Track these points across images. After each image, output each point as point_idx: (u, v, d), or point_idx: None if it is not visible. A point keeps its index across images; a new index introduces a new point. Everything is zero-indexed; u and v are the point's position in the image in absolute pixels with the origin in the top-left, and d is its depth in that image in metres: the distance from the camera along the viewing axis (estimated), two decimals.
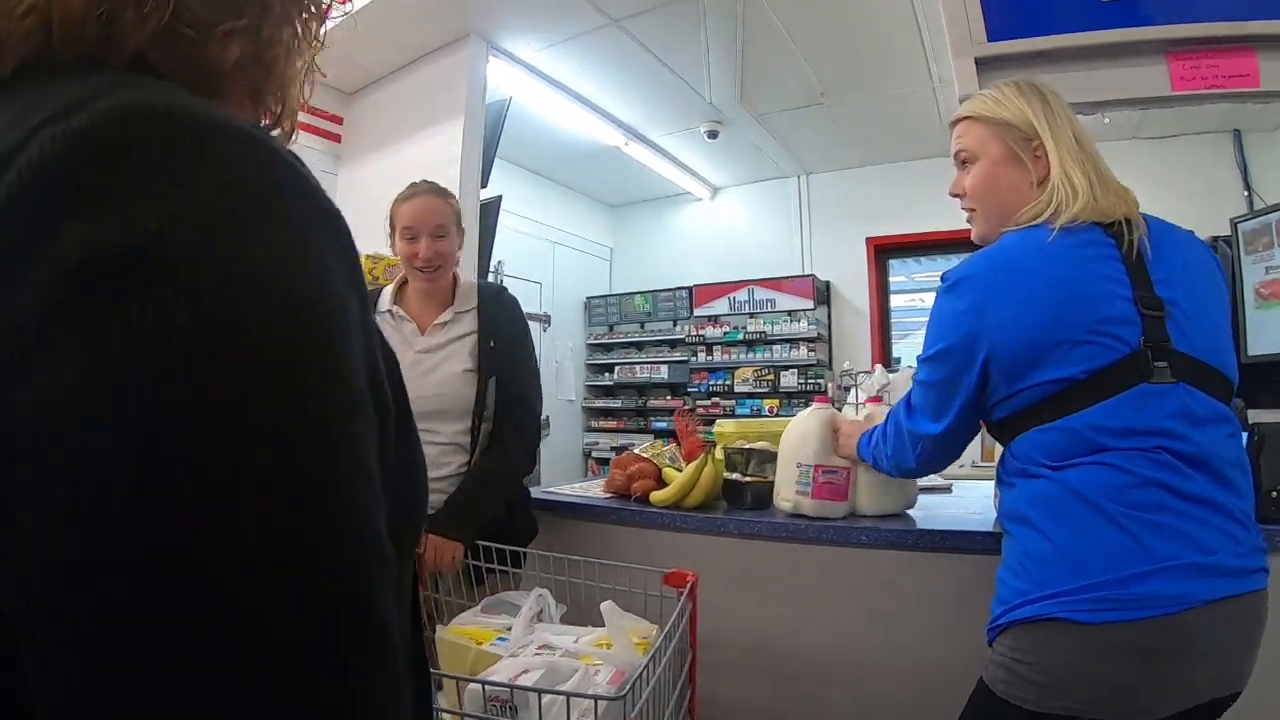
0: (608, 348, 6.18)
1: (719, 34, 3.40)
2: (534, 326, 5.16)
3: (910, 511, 1.54)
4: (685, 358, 5.71)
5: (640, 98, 4.10)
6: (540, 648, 0.94)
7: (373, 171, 3.36)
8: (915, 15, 3.17)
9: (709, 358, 5.60)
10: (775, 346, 5.35)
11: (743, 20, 3.26)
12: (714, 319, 5.64)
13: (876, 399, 1.69)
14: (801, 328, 5.24)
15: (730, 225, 5.92)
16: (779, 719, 1.52)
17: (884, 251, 5.37)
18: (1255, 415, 1.37)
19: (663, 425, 5.51)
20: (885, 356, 5.16)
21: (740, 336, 5.47)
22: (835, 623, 1.48)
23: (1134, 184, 1.05)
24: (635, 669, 0.79)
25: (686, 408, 5.27)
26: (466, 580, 1.39)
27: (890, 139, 4.70)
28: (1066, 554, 0.90)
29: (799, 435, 1.50)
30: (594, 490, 1.90)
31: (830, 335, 5.42)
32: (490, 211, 3.32)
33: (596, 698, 0.75)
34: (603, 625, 0.93)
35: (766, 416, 5.01)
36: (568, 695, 0.75)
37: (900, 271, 5.44)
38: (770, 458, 1.62)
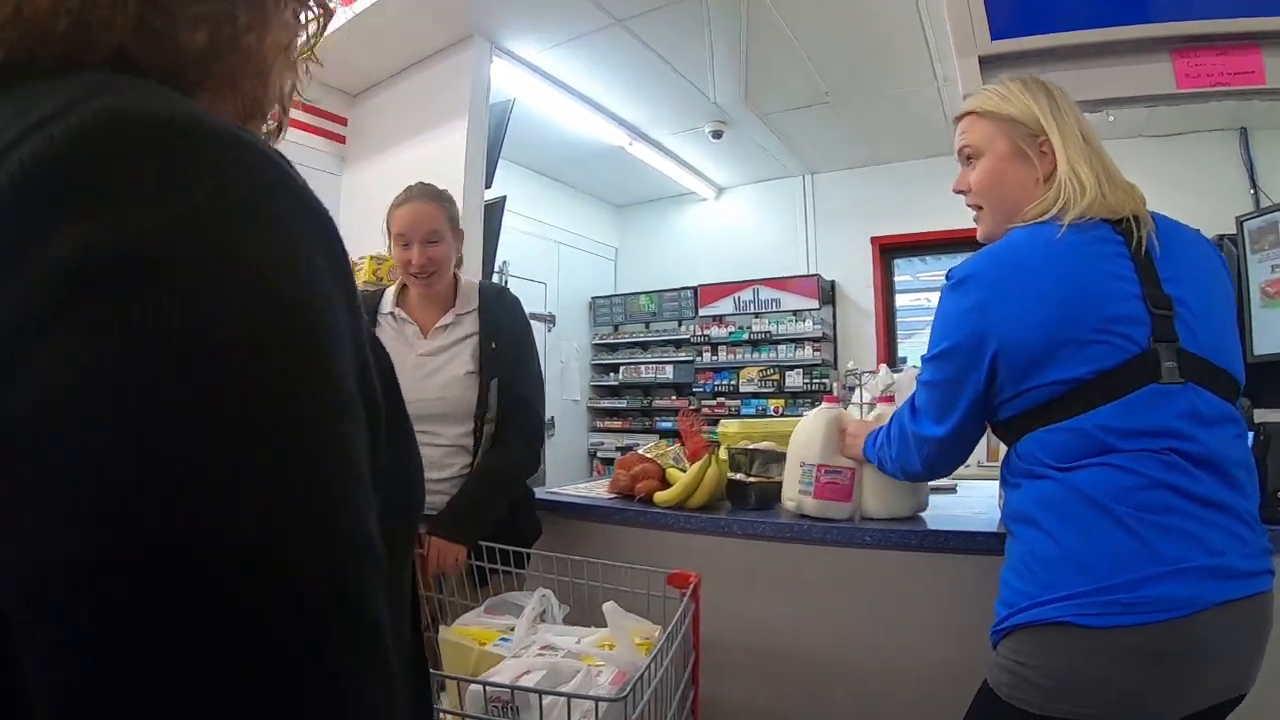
0: (613, 348, 6.18)
1: (723, 34, 3.39)
2: (539, 327, 5.17)
3: None
4: (690, 358, 5.71)
5: (644, 98, 4.09)
6: (542, 648, 0.94)
7: (377, 172, 3.37)
8: (919, 14, 3.16)
9: (714, 358, 5.60)
10: (780, 346, 5.35)
11: (747, 20, 3.26)
12: (719, 319, 5.64)
13: (889, 399, 1.66)
14: (806, 327, 5.24)
15: (735, 225, 5.91)
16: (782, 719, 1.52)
17: (889, 251, 5.36)
18: (1261, 415, 1.36)
19: (668, 425, 5.51)
20: (890, 356, 5.15)
21: (745, 336, 5.47)
22: (839, 623, 1.47)
23: (1140, 182, 1.04)
24: (637, 670, 0.79)
25: (691, 408, 5.27)
26: (470, 581, 1.39)
27: (895, 138, 4.69)
28: (1073, 556, 0.89)
29: (805, 434, 1.49)
30: (598, 490, 1.90)
31: (835, 335, 5.41)
32: (495, 212, 3.33)
33: (597, 699, 0.74)
34: (606, 626, 0.93)
35: (772, 416, 5.00)
36: (568, 697, 0.75)
37: (905, 271, 5.43)
38: (774, 458, 1.62)
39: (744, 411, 5.32)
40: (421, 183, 1.61)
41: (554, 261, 5.67)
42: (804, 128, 4.62)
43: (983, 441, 1.12)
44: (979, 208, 1.14)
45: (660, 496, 1.66)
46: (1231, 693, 0.89)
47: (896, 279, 5.43)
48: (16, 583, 0.24)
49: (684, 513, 1.61)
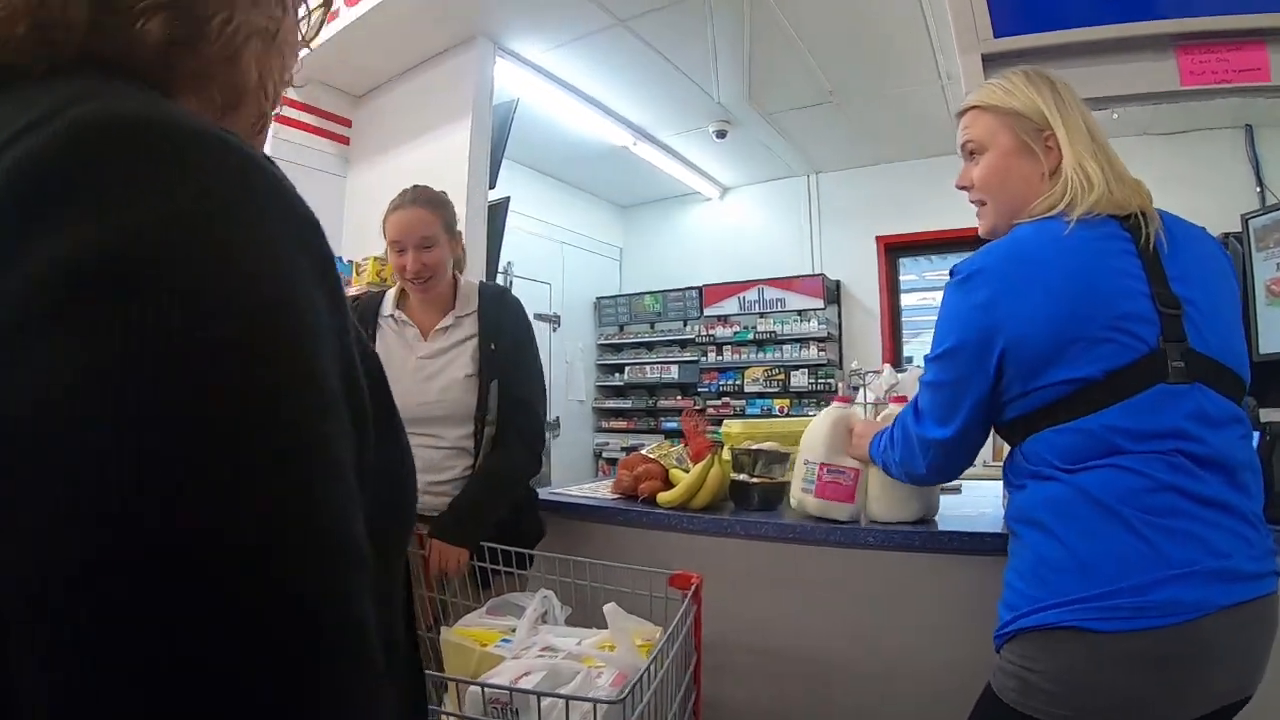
0: (618, 348, 6.18)
1: (726, 33, 3.39)
2: (544, 327, 5.17)
3: None
4: (695, 358, 5.71)
5: (648, 98, 4.09)
6: (543, 650, 0.94)
7: (381, 174, 3.37)
8: (922, 12, 3.15)
9: (719, 358, 5.59)
10: (785, 346, 5.34)
11: (750, 19, 3.26)
12: (724, 319, 5.63)
13: (901, 398, 1.61)
14: (811, 327, 5.22)
15: (740, 225, 5.90)
16: None
17: (894, 250, 5.34)
18: (1267, 414, 1.35)
19: (673, 425, 5.50)
20: (896, 356, 5.13)
21: (750, 336, 5.46)
22: (842, 625, 1.47)
23: (1145, 180, 1.03)
24: (637, 671, 0.79)
25: (695, 408, 5.27)
26: (473, 582, 1.39)
27: (900, 137, 4.68)
28: (1079, 559, 0.88)
29: (812, 433, 1.49)
30: (601, 491, 1.90)
31: (840, 335, 5.40)
32: (499, 212, 3.33)
33: (596, 701, 0.74)
34: (607, 627, 0.93)
35: (777, 416, 5.00)
36: (567, 698, 0.75)
37: (911, 270, 5.41)
38: (778, 458, 1.61)
39: (749, 411, 5.31)
40: (416, 186, 1.60)
41: (559, 262, 5.67)
42: (808, 127, 4.61)
43: (989, 441, 1.11)
44: (982, 203, 1.11)
45: (663, 497, 1.66)
46: (1238, 695, 0.89)
47: (902, 278, 5.41)
48: (16, 583, 0.24)
49: (687, 513, 1.60)
